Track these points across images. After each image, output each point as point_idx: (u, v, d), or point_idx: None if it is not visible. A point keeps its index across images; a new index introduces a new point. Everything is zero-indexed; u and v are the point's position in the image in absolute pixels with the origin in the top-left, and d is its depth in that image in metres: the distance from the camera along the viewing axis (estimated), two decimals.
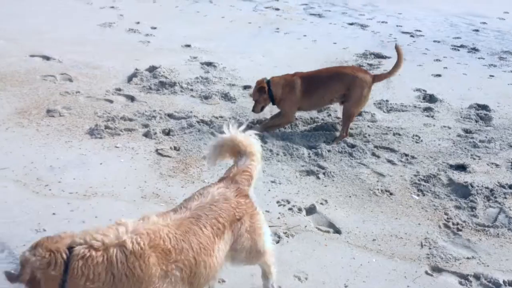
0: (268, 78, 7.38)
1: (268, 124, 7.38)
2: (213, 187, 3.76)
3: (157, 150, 6.59)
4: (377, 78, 7.32)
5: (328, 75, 7.30)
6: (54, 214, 5.04)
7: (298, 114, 7.80)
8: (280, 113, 7.44)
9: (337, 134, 7.23)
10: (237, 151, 4.14)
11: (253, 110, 7.42)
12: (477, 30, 14.13)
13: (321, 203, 5.62)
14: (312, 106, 7.52)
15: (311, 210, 5.49)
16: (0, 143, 6.45)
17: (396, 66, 7.25)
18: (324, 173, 6.24)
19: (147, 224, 3.21)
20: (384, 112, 8.26)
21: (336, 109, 8.03)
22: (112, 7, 14.80)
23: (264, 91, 7.21)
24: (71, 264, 2.91)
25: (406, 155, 6.79)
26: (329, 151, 6.74)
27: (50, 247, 2.94)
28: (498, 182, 6.14)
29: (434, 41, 12.90)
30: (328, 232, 5.17)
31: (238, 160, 4.09)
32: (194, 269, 3.28)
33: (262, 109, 7.43)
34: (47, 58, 9.83)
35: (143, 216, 3.33)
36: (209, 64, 10.14)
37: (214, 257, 3.42)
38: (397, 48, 7.43)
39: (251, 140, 4.18)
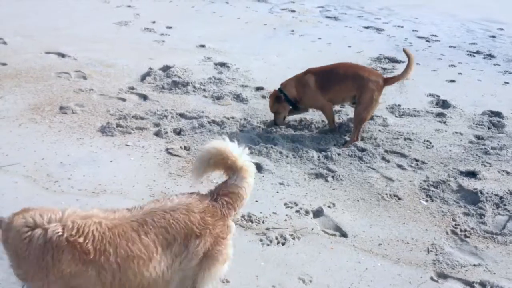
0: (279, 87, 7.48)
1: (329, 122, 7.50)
2: (181, 196, 3.53)
3: (167, 149, 6.63)
4: (388, 81, 7.29)
5: (344, 73, 7.28)
6: None
7: (309, 116, 7.82)
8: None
9: (348, 138, 7.22)
10: (228, 167, 3.78)
11: (276, 123, 7.45)
12: (493, 36, 14.02)
13: (329, 206, 5.61)
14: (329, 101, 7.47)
15: (318, 213, 5.49)
16: (13, 139, 6.53)
17: (408, 68, 7.22)
18: (333, 176, 6.23)
19: (79, 217, 3.17)
20: (396, 116, 8.23)
21: (348, 113, 8.03)
22: (129, 6, 14.92)
23: (281, 99, 7.24)
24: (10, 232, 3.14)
25: (417, 160, 6.76)
26: (339, 154, 6.74)
27: (15, 213, 3.25)
28: (508, 190, 6.09)
29: (450, 46, 12.83)
30: (335, 235, 5.16)
31: (229, 177, 3.79)
32: (118, 274, 3.15)
33: (284, 118, 7.46)
34: (63, 55, 9.94)
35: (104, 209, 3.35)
36: (222, 64, 10.18)
37: (151, 267, 3.23)
38: (405, 51, 7.40)
39: (243, 157, 3.78)
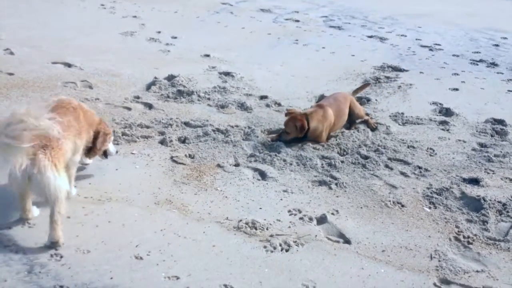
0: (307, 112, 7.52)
1: None
2: None
3: (172, 157, 6.70)
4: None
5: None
6: (68, 217, 5.12)
7: None
8: None
9: (349, 145, 7.28)
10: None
11: (281, 140, 7.37)
12: (497, 45, 14.09)
13: (332, 213, 5.65)
14: None
15: (322, 220, 5.52)
16: None
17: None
18: (336, 184, 6.27)
19: None
20: (399, 124, 8.28)
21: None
22: (135, 16, 15.04)
23: (304, 128, 7.28)
24: None
25: (420, 167, 6.80)
26: (342, 162, 6.79)
27: None
28: (511, 197, 6.11)
29: (453, 55, 12.90)
30: (338, 242, 5.19)
31: None
32: None
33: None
34: (69, 65, 10.03)
35: None
36: (227, 74, 10.26)
37: None
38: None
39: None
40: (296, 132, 7.22)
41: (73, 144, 5.03)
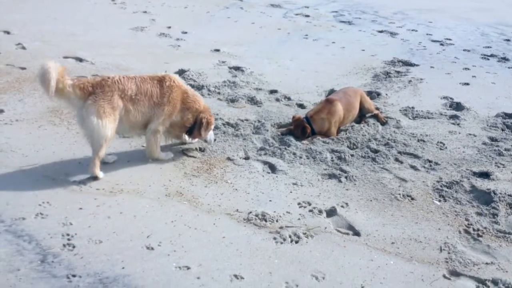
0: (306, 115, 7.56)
1: None
2: None
3: (182, 150, 6.74)
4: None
5: None
6: (81, 209, 5.20)
7: None
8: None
9: (359, 139, 7.28)
10: None
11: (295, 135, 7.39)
12: (508, 40, 14.01)
13: (342, 206, 5.66)
14: None
15: (331, 213, 5.54)
16: (33, 140, 6.68)
17: None
18: (346, 177, 6.28)
19: None
20: (409, 118, 8.27)
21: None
22: (145, 11, 15.11)
23: (307, 133, 7.30)
24: None
25: (430, 161, 6.79)
26: (352, 155, 6.79)
27: None
28: None
29: (464, 50, 12.84)
30: (348, 234, 5.20)
31: None
32: None
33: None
34: (80, 59, 10.11)
35: None
36: (237, 68, 10.29)
37: None
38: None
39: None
40: (303, 136, 7.25)
41: (137, 107, 5.97)
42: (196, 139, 6.80)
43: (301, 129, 7.25)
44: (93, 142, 5.72)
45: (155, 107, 6.08)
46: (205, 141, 6.76)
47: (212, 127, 6.67)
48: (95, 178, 5.79)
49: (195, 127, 6.48)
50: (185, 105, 6.36)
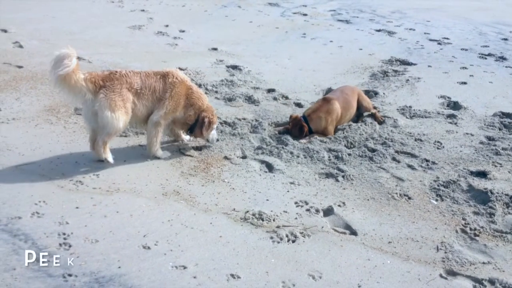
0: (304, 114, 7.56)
1: None
2: None
3: (179, 149, 6.73)
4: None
5: None
6: (77, 208, 5.18)
7: None
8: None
9: (356, 138, 7.28)
10: None
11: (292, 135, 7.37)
12: (506, 39, 14.03)
13: (339, 205, 5.66)
14: None
15: (328, 212, 5.53)
16: (29, 139, 6.66)
17: None
18: (343, 176, 6.28)
19: None
20: (407, 118, 8.27)
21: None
22: (143, 10, 15.10)
23: (305, 132, 7.29)
24: None
25: (427, 160, 6.79)
26: (349, 154, 6.79)
27: None
28: None
29: (462, 49, 12.85)
30: (344, 233, 5.20)
31: None
32: None
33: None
34: (78, 58, 10.04)
35: None
36: (234, 67, 10.28)
37: None
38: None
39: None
40: (301, 136, 7.24)
41: (142, 100, 6.14)
42: (197, 138, 6.82)
43: (299, 128, 7.25)
44: (104, 132, 5.94)
45: (157, 101, 6.22)
46: (207, 140, 6.77)
47: (215, 126, 6.69)
48: (102, 161, 6.10)
49: (197, 126, 6.52)
50: (189, 101, 6.44)
